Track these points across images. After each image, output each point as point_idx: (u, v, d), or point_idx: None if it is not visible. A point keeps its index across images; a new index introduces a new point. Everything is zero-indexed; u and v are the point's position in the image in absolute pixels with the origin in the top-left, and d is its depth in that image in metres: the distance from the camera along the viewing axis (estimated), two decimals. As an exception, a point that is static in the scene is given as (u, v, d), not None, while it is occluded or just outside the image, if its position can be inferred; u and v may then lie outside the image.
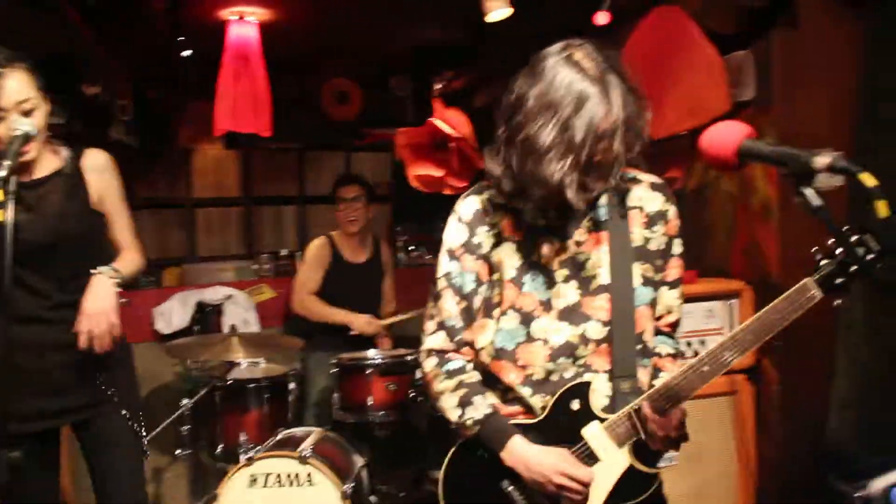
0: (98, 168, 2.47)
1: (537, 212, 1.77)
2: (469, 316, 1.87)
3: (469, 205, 1.89)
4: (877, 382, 2.90)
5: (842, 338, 3.00)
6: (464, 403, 1.81)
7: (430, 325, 1.91)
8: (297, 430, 3.45)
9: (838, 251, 1.55)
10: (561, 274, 1.81)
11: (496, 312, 1.85)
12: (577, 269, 1.82)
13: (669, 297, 1.91)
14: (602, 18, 3.70)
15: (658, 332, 1.93)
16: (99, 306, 2.18)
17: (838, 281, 1.58)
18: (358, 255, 4.48)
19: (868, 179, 1.36)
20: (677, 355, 1.95)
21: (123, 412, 2.45)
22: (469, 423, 1.80)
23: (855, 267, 1.55)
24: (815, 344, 2.97)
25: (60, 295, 2.33)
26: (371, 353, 3.85)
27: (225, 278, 5.32)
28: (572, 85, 1.62)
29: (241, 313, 4.69)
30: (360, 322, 4.21)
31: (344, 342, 4.12)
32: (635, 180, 1.87)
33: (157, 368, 4.45)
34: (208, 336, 4.07)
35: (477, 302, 1.87)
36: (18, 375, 2.19)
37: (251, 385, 3.60)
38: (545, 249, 1.80)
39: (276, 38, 4.82)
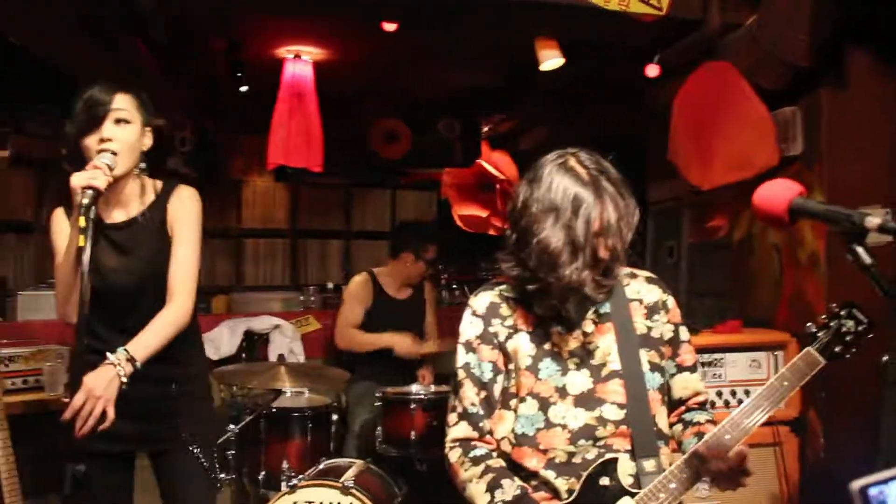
0: (180, 201, 2.42)
1: (548, 306, 1.89)
2: (489, 405, 1.93)
3: (483, 299, 1.99)
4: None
5: (887, 394, 3.00)
6: (492, 487, 1.83)
7: (451, 417, 1.96)
8: (340, 461, 3.49)
9: (831, 323, 1.82)
10: (572, 362, 1.90)
11: (514, 402, 1.91)
12: (588, 357, 1.91)
13: (693, 380, 2.03)
14: (652, 71, 3.80)
15: (690, 409, 2.04)
16: (100, 391, 2.06)
17: (837, 349, 1.81)
18: (401, 291, 4.56)
19: (917, 240, 1.41)
20: (713, 421, 2.01)
21: (195, 448, 2.44)
22: None
23: (849, 337, 1.81)
24: (859, 396, 2.98)
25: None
26: (415, 387, 3.89)
27: (272, 308, 5.43)
28: (568, 190, 1.80)
29: (287, 343, 4.78)
30: (405, 343, 4.28)
31: (387, 373, 4.18)
32: (632, 275, 2.02)
33: (203, 394, 4.53)
34: (256, 364, 4.16)
35: (496, 391, 1.93)
36: None
37: (295, 414, 3.66)
38: (556, 339, 1.91)
39: (330, 77, 4.97)
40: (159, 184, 2.46)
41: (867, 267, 1.49)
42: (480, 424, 1.92)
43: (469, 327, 1.98)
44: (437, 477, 3.83)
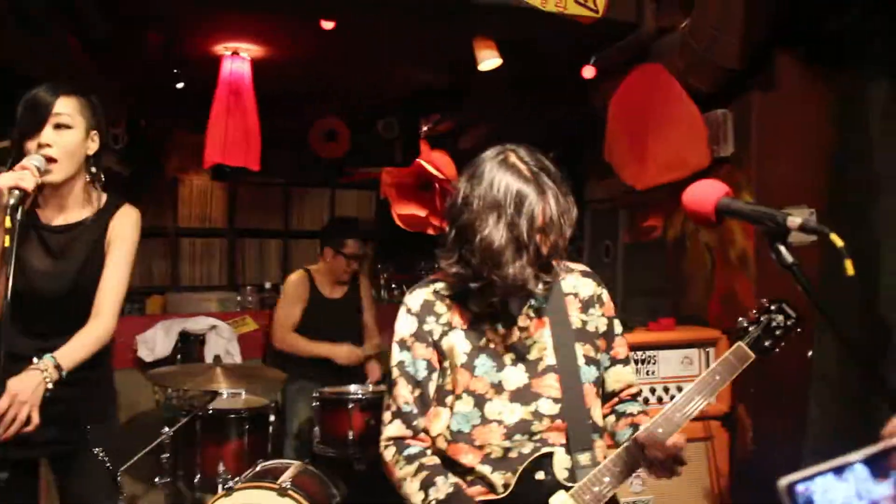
0: (124, 221, 2.42)
1: (487, 303, 1.90)
2: (424, 403, 1.94)
3: (417, 297, 1.98)
4: (847, 433, 2.99)
5: (814, 388, 3.10)
6: (426, 486, 1.84)
7: (386, 415, 1.97)
8: (277, 462, 3.46)
9: (762, 318, 1.87)
10: (508, 358, 1.92)
11: (449, 399, 1.92)
12: (524, 352, 1.93)
13: (626, 373, 2.08)
14: (588, 73, 3.85)
15: (622, 401, 2.08)
16: (25, 396, 2.04)
17: (767, 343, 1.87)
18: (335, 289, 4.53)
19: (836, 240, 1.45)
20: (646, 412, 2.06)
21: (98, 451, 2.42)
22: (433, 503, 1.81)
23: (779, 331, 1.86)
24: (787, 391, 3.07)
25: (60, 339, 2.26)
26: (353, 387, 3.88)
27: (208, 309, 5.36)
28: (510, 186, 1.80)
29: (223, 344, 4.72)
30: (342, 353, 4.27)
31: (324, 373, 4.16)
32: (568, 269, 2.04)
33: (137, 396, 4.45)
34: (191, 365, 4.10)
35: (431, 389, 1.94)
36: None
37: (232, 416, 3.62)
38: (492, 335, 1.92)
39: (269, 74, 4.91)
40: (104, 196, 2.43)
41: (789, 265, 1.54)
42: (414, 423, 1.93)
43: (404, 325, 1.98)
44: (375, 477, 3.82)
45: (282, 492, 3.08)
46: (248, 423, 3.59)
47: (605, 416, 2.07)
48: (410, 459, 1.89)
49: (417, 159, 4.76)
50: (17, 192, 2.05)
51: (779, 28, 3.17)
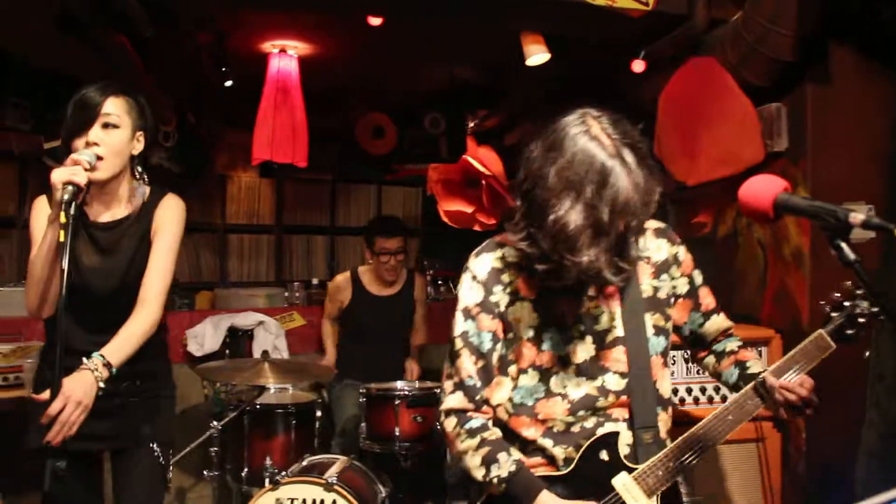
0: (167, 210, 2.44)
1: (541, 265, 1.76)
2: (487, 374, 1.87)
3: (483, 263, 1.88)
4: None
5: (871, 390, 3.02)
6: (488, 462, 1.80)
7: (447, 385, 1.90)
8: (324, 457, 3.49)
9: (846, 304, 1.73)
10: (577, 329, 1.85)
11: (513, 369, 1.87)
12: (592, 323, 1.86)
13: (721, 320, 2.03)
14: (638, 66, 3.79)
15: (715, 340, 2.05)
16: (78, 397, 2.06)
17: (849, 332, 1.74)
18: (385, 288, 4.54)
19: (900, 236, 1.41)
20: (745, 346, 2.05)
21: (153, 446, 2.46)
22: (495, 480, 1.78)
23: (862, 319, 1.74)
24: (841, 393, 2.99)
25: (112, 333, 2.27)
26: (399, 384, 3.90)
27: (256, 304, 5.41)
28: (594, 161, 1.62)
29: (271, 339, 4.76)
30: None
31: (371, 369, 4.18)
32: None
33: (186, 390, 4.51)
34: (240, 360, 4.15)
35: (494, 359, 1.87)
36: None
37: (279, 410, 3.66)
38: (561, 306, 1.83)
39: (316, 72, 4.95)
40: (148, 189, 2.46)
41: (851, 263, 1.49)
42: (477, 397, 1.86)
43: (469, 293, 1.89)
44: (420, 473, 3.85)
45: (328, 487, 3.10)
46: (294, 417, 3.63)
47: (702, 359, 2.07)
48: (472, 433, 1.84)
49: (464, 156, 4.75)
50: (70, 187, 2.08)
51: (834, 20, 3.09)
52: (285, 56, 4.83)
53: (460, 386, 1.87)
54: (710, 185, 3.48)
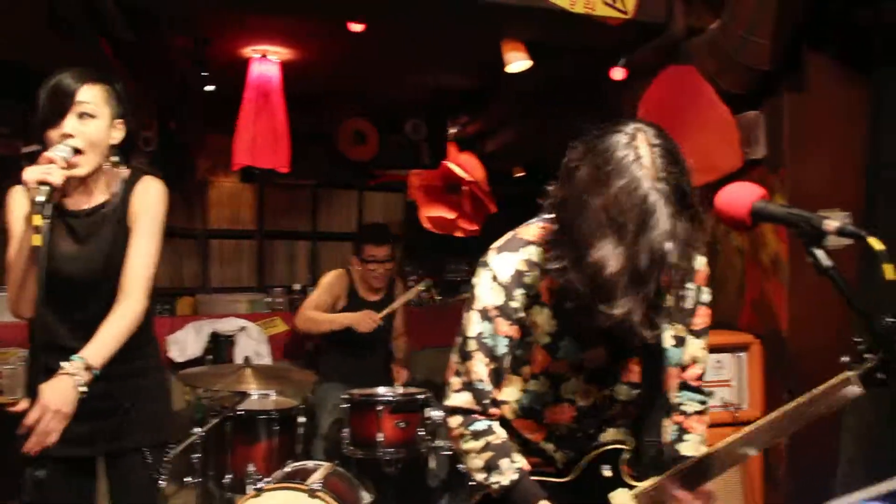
0: (145, 192, 2.31)
1: (569, 304, 1.63)
2: (498, 377, 1.81)
3: (506, 264, 1.78)
4: (883, 440, 2.94)
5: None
6: (490, 468, 1.77)
7: (455, 382, 1.84)
8: (307, 463, 3.47)
9: (885, 344, 1.47)
10: (593, 336, 1.78)
11: (525, 370, 1.83)
12: (609, 332, 1.72)
13: (695, 346, 1.88)
14: (618, 74, 3.83)
15: (683, 386, 1.90)
16: (56, 405, 1.97)
17: (881, 376, 1.49)
18: (371, 294, 4.55)
19: (875, 243, 1.43)
20: (704, 412, 1.92)
21: (144, 449, 2.37)
22: (495, 486, 1.76)
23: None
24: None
25: (95, 328, 2.16)
26: (382, 389, 3.89)
27: (238, 310, 5.39)
28: (636, 197, 1.45)
29: (253, 345, 4.75)
30: (358, 317, 4.31)
31: (354, 374, 4.19)
32: None
33: (168, 396, 4.49)
34: (222, 366, 4.13)
35: (507, 363, 1.81)
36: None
37: (261, 416, 3.64)
38: (579, 314, 1.65)
39: (297, 76, 4.95)
40: (125, 172, 2.33)
41: (826, 270, 1.51)
42: (485, 400, 1.80)
43: (488, 293, 1.78)
44: (404, 479, 3.86)
45: (311, 493, 3.08)
46: (277, 423, 3.62)
47: None
48: (477, 436, 1.79)
49: (445, 161, 4.77)
50: (45, 186, 1.98)
51: (809, 27, 3.14)
52: (266, 61, 4.83)
53: (469, 386, 1.81)
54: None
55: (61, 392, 2.00)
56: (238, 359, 4.59)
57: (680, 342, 1.85)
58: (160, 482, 2.44)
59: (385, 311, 4.39)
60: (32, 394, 2.05)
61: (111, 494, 2.43)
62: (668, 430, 1.87)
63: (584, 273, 1.49)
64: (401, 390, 3.91)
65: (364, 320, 4.30)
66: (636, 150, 1.50)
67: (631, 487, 1.79)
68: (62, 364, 2.04)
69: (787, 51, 3.14)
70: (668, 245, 1.45)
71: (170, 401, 2.55)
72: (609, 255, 1.45)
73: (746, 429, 1.63)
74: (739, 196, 1.66)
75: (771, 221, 1.63)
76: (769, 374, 3.29)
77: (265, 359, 4.79)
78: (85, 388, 2.03)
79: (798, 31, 3.11)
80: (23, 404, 2.00)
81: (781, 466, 3.20)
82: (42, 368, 2.01)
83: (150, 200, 2.30)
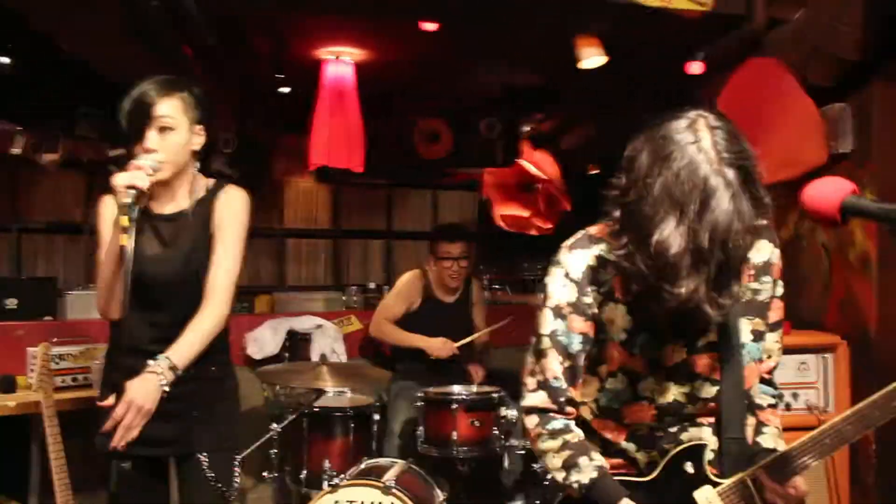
0: (228, 202, 2.39)
1: (636, 286, 1.65)
2: (574, 375, 1.80)
3: (578, 261, 1.78)
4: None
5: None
6: (569, 466, 1.75)
7: (530, 382, 1.84)
8: (382, 461, 3.51)
9: None
10: (670, 332, 1.76)
11: (602, 370, 1.81)
12: (686, 326, 1.74)
13: (769, 339, 1.85)
14: (696, 68, 3.74)
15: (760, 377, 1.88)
16: (140, 401, 2.06)
17: None
18: (448, 294, 4.55)
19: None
20: (777, 405, 1.91)
21: (202, 455, 2.38)
22: (575, 486, 1.75)
23: None
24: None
25: (175, 330, 2.25)
26: (457, 388, 3.90)
27: (314, 308, 5.46)
28: (697, 177, 1.49)
29: (329, 343, 4.81)
30: (436, 345, 4.28)
31: (429, 372, 4.19)
32: None
33: (245, 392, 4.51)
34: (298, 363, 4.20)
35: (582, 360, 1.80)
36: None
37: (337, 414, 3.69)
38: (654, 308, 1.66)
39: (371, 76, 4.98)
40: (211, 181, 2.44)
41: (922, 268, 1.44)
42: (561, 398, 1.80)
43: (560, 290, 1.78)
44: (478, 478, 3.85)
45: (386, 490, 3.12)
46: (352, 421, 3.67)
47: None
48: (554, 434, 1.79)
49: (519, 159, 4.75)
50: (132, 190, 2.10)
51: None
52: (341, 62, 4.88)
53: (544, 385, 1.81)
54: (771, 188, 3.41)
55: (146, 389, 2.09)
56: (314, 356, 4.66)
57: (758, 337, 1.81)
58: (232, 484, 2.45)
59: (463, 342, 4.35)
60: (107, 391, 2.16)
61: (181, 496, 2.47)
62: (751, 427, 1.83)
63: (649, 254, 1.52)
64: (475, 389, 3.90)
65: (440, 348, 4.27)
66: (696, 133, 1.54)
67: (715, 485, 1.75)
68: (148, 362, 2.13)
69: (877, 40, 3.01)
70: (731, 223, 1.47)
71: (237, 408, 2.57)
72: (672, 234, 1.48)
73: (834, 419, 1.63)
74: (829, 191, 1.60)
75: (863, 217, 1.56)
76: (856, 377, 3.17)
77: (341, 356, 4.84)
78: (167, 388, 2.12)
79: (889, 20, 2.98)
80: (109, 400, 2.08)
81: (871, 473, 3.08)
82: (119, 367, 2.10)
83: (234, 210, 2.39)
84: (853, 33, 2.97)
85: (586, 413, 1.84)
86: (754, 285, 1.82)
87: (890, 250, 1.47)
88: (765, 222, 1.67)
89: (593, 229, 1.82)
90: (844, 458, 3.13)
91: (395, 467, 3.37)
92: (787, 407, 3.08)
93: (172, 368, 2.15)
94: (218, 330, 2.31)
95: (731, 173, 1.50)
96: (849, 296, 3.25)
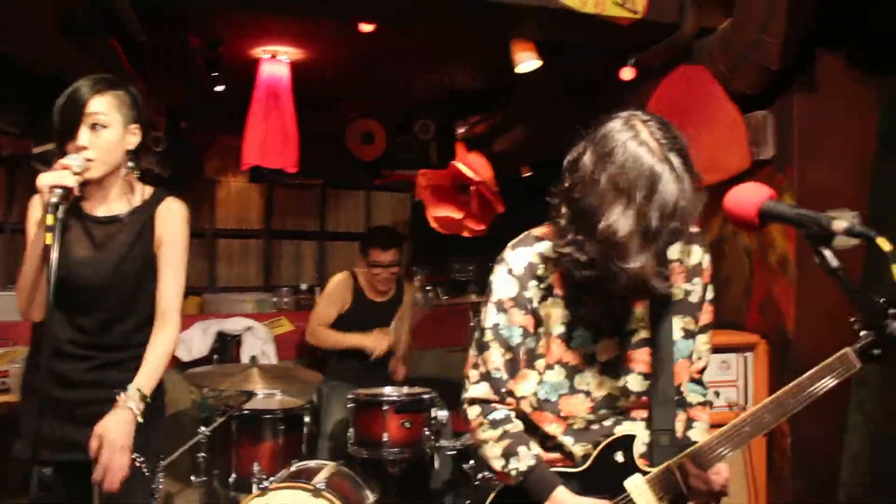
0: (170, 215, 2.37)
1: (586, 272, 1.74)
2: (514, 367, 1.88)
3: (520, 258, 1.87)
4: (889, 438, 2.93)
5: (854, 394, 3.04)
6: (508, 454, 1.83)
7: (473, 374, 1.91)
8: (311, 463, 3.48)
9: (885, 322, 1.52)
10: (605, 327, 1.86)
11: (540, 364, 1.87)
12: (621, 323, 1.86)
13: (699, 341, 1.95)
14: (627, 74, 3.81)
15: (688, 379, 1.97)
16: (121, 440, 2.11)
17: (876, 352, 1.59)
18: (378, 294, 4.54)
19: (884, 244, 1.42)
20: (706, 403, 2.01)
21: (138, 456, 2.31)
22: (513, 473, 1.82)
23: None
24: (826, 398, 3.00)
25: (100, 335, 2.27)
26: (388, 389, 3.89)
27: (244, 309, 5.40)
28: (643, 167, 1.61)
29: (259, 345, 4.76)
30: (370, 340, 4.33)
31: (359, 374, 4.18)
32: None
33: (174, 395, 4.49)
34: (228, 365, 4.13)
35: (521, 354, 1.88)
36: (50, 405, 2.18)
37: (267, 416, 3.65)
38: (591, 304, 1.82)
39: (306, 77, 4.95)
40: (149, 189, 2.40)
41: (833, 270, 1.50)
42: (502, 389, 1.88)
43: (503, 286, 1.87)
44: (409, 479, 3.85)
45: (316, 492, 3.09)
46: (282, 423, 3.62)
47: None
48: (495, 424, 1.86)
49: (453, 161, 4.77)
50: (58, 190, 2.05)
51: (822, 27, 3.12)
52: (276, 61, 4.83)
53: (487, 377, 1.88)
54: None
55: (123, 428, 2.14)
56: (244, 358, 4.60)
57: (689, 335, 1.90)
58: (156, 489, 2.42)
59: (395, 339, 4.45)
60: (28, 395, 2.18)
61: (102, 502, 2.38)
62: (681, 422, 1.91)
63: (599, 240, 1.65)
64: (406, 390, 3.90)
65: (378, 340, 4.32)
66: (633, 129, 1.67)
67: (645, 474, 1.82)
68: (119, 395, 2.18)
69: (798, 50, 3.12)
70: (678, 202, 1.60)
71: (163, 411, 2.53)
72: (618, 219, 1.61)
73: (752, 408, 1.71)
74: (748, 196, 1.66)
75: (779, 222, 1.63)
76: (775, 375, 3.27)
77: (271, 358, 4.79)
78: (141, 419, 2.18)
79: (809, 31, 3.09)
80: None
81: (785, 465, 3.19)
82: (40, 370, 2.06)
83: (176, 227, 2.38)
84: (776, 43, 3.07)
85: (526, 407, 1.90)
86: (686, 286, 1.90)
87: (808, 253, 1.53)
88: (696, 229, 1.87)
89: (537, 230, 1.90)
90: (762, 451, 3.23)
91: (326, 469, 3.34)
92: (710, 404, 3.16)
93: (143, 398, 2.19)
94: (174, 348, 2.35)
95: (673, 157, 1.62)
96: (769, 297, 3.35)
